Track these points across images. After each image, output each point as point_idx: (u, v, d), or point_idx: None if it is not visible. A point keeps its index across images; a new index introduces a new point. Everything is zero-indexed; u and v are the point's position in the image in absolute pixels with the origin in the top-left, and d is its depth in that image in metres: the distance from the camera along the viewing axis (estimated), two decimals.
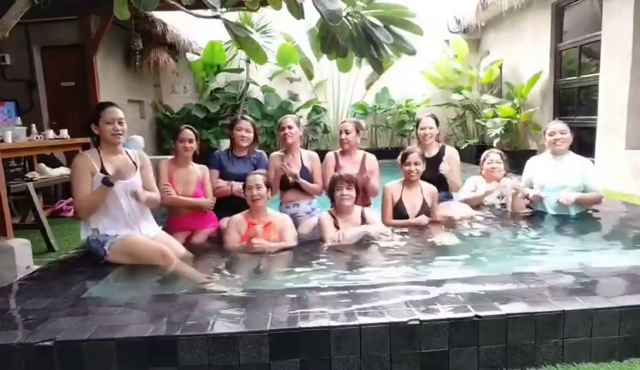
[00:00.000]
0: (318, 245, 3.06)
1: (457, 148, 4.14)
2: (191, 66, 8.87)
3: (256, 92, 9.32)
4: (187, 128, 3.38)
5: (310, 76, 9.12)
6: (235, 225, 3.04)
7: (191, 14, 2.67)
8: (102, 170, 2.73)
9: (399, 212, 3.43)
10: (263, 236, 2.98)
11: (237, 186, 3.41)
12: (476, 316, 1.86)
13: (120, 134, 2.77)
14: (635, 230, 3.40)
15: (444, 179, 3.63)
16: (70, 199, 5.15)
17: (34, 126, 4.75)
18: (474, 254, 2.91)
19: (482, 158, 3.95)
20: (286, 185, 3.60)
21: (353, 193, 3.12)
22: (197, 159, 3.52)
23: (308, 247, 3.04)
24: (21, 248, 2.98)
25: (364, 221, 3.16)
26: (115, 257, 2.70)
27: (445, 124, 8.79)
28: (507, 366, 1.88)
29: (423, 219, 3.37)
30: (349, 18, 2.66)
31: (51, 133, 4.87)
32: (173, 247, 2.85)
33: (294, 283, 2.46)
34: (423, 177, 3.50)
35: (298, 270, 2.70)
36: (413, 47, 2.87)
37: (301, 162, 3.65)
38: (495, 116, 7.45)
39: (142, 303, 2.17)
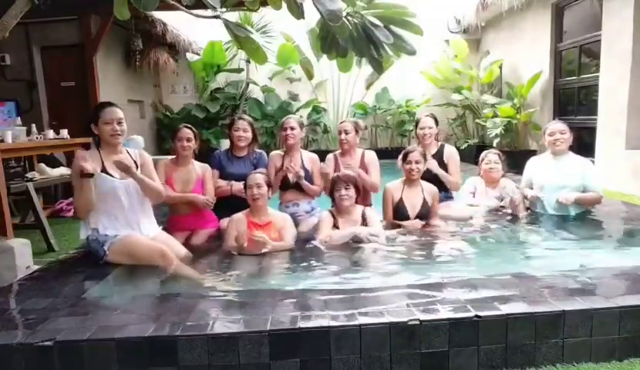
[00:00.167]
0: (318, 245, 3.06)
1: (457, 148, 4.13)
2: (191, 66, 8.87)
3: (256, 92, 9.32)
4: (186, 127, 3.38)
5: (310, 76, 9.12)
6: (235, 224, 3.04)
7: (191, 14, 2.67)
8: (103, 170, 2.73)
9: (400, 211, 3.43)
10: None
11: (237, 185, 3.41)
12: (476, 316, 1.86)
13: (119, 134, 2.77)
14: (635, 230, 3.40)
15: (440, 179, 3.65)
16: (70, 199, 5.16)
17: (34, 126, 4.75)
18: (474, 254, 2.91)
19: (480, 158, 3.95)
20: (286, 185, 3.61)
21: (352, 193, 3.12)
22: (197, 159, 3.51)
23: (308, 247, 3.04)
24: (21, 248, 2.98)
25: (364, 221, 3.16)
26: (115, 258, 2.70)
27: (445, 124, 8.79)
28: (507, 366, 1.88)
29: (417, 223, 3.37)
30: (349, 18, 2.66)
31: (51, 133, 4.87)
32: (173, 247, 2.84)
33: (294, 283, 2.46)
34: (424, 177, 3.50)
35: (298, 270, 2.70)
36: (413, 47, 2.87)
37: (302, 163, 3.66)
38: (495, 116, 7.45)
39: (142, 303, 2.17)
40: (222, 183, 3.53)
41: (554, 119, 6.73)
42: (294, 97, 9.40)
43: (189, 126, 3.41)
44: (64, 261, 2.92)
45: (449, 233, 3.29)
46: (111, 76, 7.25)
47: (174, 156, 3.45)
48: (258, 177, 3.05)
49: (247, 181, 3.06)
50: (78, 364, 1.78)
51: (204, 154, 3.68)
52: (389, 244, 3.05)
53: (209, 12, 2.55)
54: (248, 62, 8.75)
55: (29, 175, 4.29)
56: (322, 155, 3.86)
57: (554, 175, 3.58)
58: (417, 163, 3.38)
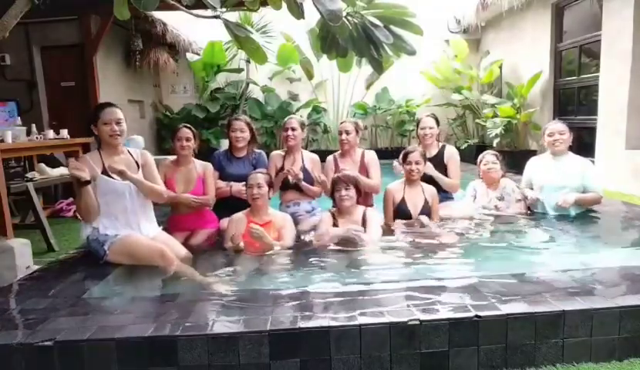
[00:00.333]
0: (318, 245, 3.06)
1: (457, 148, 4.13)
2: (191, 66, 8.87)
3: (256, 92, 9.32)
4: (185, 127, 3.38)
5: (310, 76, 9.12)
6: (235, 224, 3.04)
7: (191, 14, 2.67)
8: (104, 171, 2.73)
9: (402, 211, 3.44)
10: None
11: (237, 186, 3.41)
12: (476, 316, 1.86)
13: (119, 135, 2.77)
14: (635, 230, 3.40)
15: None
16: (70, 199, 5.17)
17: (34, 126, 4.75)
18: (474, 254, 2.91)
19: (478, 160, 3.95)
20: (286, 185, 3.61)
21: (352, 193, 3.12)
22: (198, 159, 3.51)
23: (308, 247, 3.04)
24: (21, 248, 2.98)
25: (364, 222, 3.15)
26: (115, 257, 2.70)
27: (445, 124, 8.78)
28: (507, 366, 1.88)
29: (425, 219, 3.36)
30: (349, 18, 2.66)
31: (51, 133, 4.86)
32: (173, 247, 2.85)
33: (294, 283, 2.46)
34: (422, 178, 3.50)
35: (298, 270, 2.70)
36: (413, 47, 2.87)
37: (302, 163, 3.66)
38: (495, 115, 7.45)
39: (142, 303, 2.17)
40: (222, 184, 3.53)
41: (553, 119, 6.73)
42: (294, 97, 9.40)
43: (188, 125, 3.41)
44: (64, 261, 2.92)
45: (449, 233, 3.29)
46: (111, 76, 7.24)
47: (175, 157, 3.45)
48: (259, 177, 3.05)
49: (248, 181, 3.07)
50: (78, 364, 1.78)
51: (204, 154, 3.68)
52: (388, 245, 3.04)
53: (209, 12, 2.55)
54: (248, 62, 8.75)
55: (29, 175, 4.29)
56: (322, 155, 3.86)
57: (553, 175, 3.58)
58: (417, 163, 3.38)
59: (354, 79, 8.87)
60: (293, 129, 3.64)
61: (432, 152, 3.80)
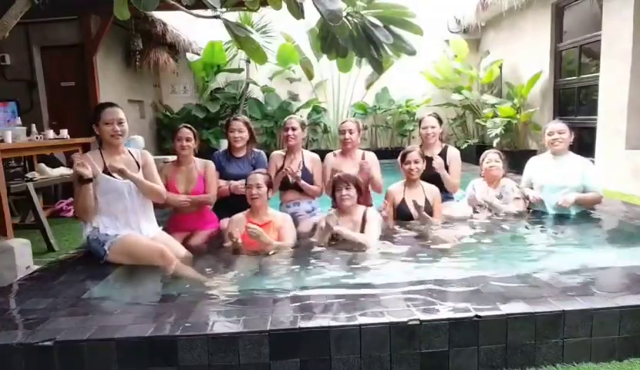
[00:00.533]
0: (318, 245, 3.06)
1: (457, 148, 4.13)
2: (191, 66, 8.87)
3: (256, 92, 9.32)
4: (185, 127, 3.38)
5: (310, 76, 9.12)
6: (235, 225, 3.04)
7: (191, 14, 2.67)
8: (105, 171, 2.73)
9: (402, 212, 3.43)
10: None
11: (235, 182, 3.41)
12: (476, 316, 1.86)
13: (120, 135, 2.77)
14: (635, 230, 3.40)
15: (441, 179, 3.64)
16: (70, 199, 5.17)
17: (34, 126, 4.75)
18: (474, 254, 2.91)
19: (481, 158, 3.96)
20: (286, 185, 3.61)
21: (353, 193, 3.11)
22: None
23: (308, 247, 3.04)
24: (21, 248, 2.98)
25: (364, 221, 3.15)
26: (115, 257, 2.70)
27: (445, 124, 8.76)
28: (507, 366, 1.88)
29: (427, 217, 3.37)
30: (349, 18, 2.66)
31: (51, 133, 4.87)
32: (173, 247, 2.85)
33: (294, 283, 2.46)
34: (424, 176, 3.50)
35: (297, 270, 2.70)
36: (413, 47, 2.87)
37: (302, 163, 3.66)
38: (495, 116, 7.45)
39: (142, 303, 2.17)
40: (221, 182, 3.53)
41: (554, 119, 6.73)
42: (294, 97, 9.40)
43: (188, 125, 3.41)
44: (64, 261, 2.92)
45: (449, 233, 3.29)
46: (111, 76, 7.24)
47: (175, 157, 3.45)
48: (258, 177, 3.05)
49: (247, 181, 3.07)
50: (78, 364, 1.78)
51: (204, 154, 3.68)
52: (388, 245, 3.04)
53: (209, 12, 2.55)
54: (248, 62, 8.75)
55: (29, 175, 4.29)
56: (322, 155, 3.86)
57: (553, 175, 3.58)
58: (416, 162, 3.38)
59: (354, 79, 8.87)
60: (293, 129, 3.64)
61: (435, 151, 3.79)
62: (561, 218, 3.52)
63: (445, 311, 1.89)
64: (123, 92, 7.68)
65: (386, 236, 3.19)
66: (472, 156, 7.54)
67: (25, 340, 1.80)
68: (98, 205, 2.73)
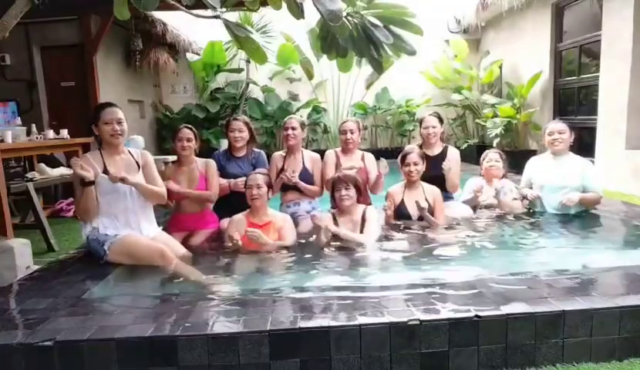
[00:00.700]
0: (318, 245, 3.06)
1: (457, 148, 4.13)
2: (191, 66, 8.87)
3: (256, 92, 9.32)
4: (185, 127, 3.38)
5: (310, 76, 9.12)
6: (235, 225, 3.04)
7: (191, 14, 2.67)
8: (105, 171, 2.73)
9: (402, 213, 3.43)
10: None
11: (235, 180, 3.42)
12: (476, 316, 1.86)
13: (120, 134, 2.78)
14: (635, 230, 3.40)
15: (444, 179, 3.63)
16: (70, 199, 5.17)
17: (34, 126, 4.75)
18: (474, 254, 2.91)
19: (482, 157, 3.96)
20: (286, 185, 3.61)
21: (352, 192, 3.11)
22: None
23: (308, 247, 3.04)
24: (21, 248, 2.98)
25: (364, 220, 3.15)
26: (115, 257, 2.70)
27: (445, 124, 8.77)
28: (507, 366, 1.88)
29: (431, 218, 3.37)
30: (349, 18, 2.66)
31: (51, 133, 4.87)
32: (173, 247, 2.85)
33: (294, 283, 2.46)
34: (424, 177, 3.50)
35: (297, 270, 2.70)
36: (413, 47, 2.87)
37: (302, 163, 3.66)
38: (495, 116, 7.45)
39: (142, 303, 2.17)
40: (222, 182, 3.53)
41: (554, 119, 6.73)
42: (294, 97, 9.40)
43: (189, 126, 3.41)
44: (64, 261, 2.92)
45: (449, 233, 3.29)
46: (111, 76, 7.24)
47: (176, 157, 3.46)
48: (259, 178, 3.05)
49: (248, 181, 3.07)
50: (78, 364, 1.78)
51: (204, 155, 3.68)
52: (388, 245, 3.04)
53: (209, 12, 2.55)
54: (248, 62, 8.75)
55: (29, 175, 4.29)
56: (322, 155, 3.86)
57: (553, 175, 3.58)
58: (415, 164, 3.37)
59: (354, 79, 8.87)
60: (293, 129, 3.64)
61: (435, 151, 3.79)
62: (561, 218, 3.52)
63: (445, 311, 1.89)
64: (123, 92, 7.68)
65: (386, 236, 3.20)
66: (472, 156, 7.55)
67: (25, 340, 1.80)
68: (99, 206, 2.73)
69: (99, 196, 2.72)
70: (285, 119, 3.82)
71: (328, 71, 8.64)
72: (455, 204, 3.81)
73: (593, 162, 4.48)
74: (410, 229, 3.34)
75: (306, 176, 3.61)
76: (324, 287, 2.30)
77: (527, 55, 7.62)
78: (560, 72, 7.07)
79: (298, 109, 8.79)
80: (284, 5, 2.41)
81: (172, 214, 3.50)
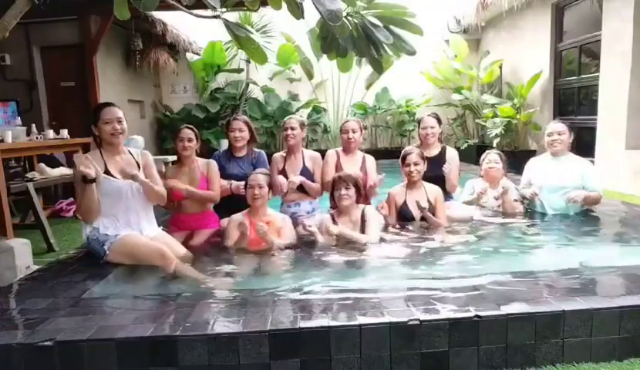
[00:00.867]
0: (318, 245, 3.06)
1: (457, 148, 4.14)
2: (191, 66, 8.88)
3: (256, 92, 9.32)
4: (187, 127, 3.38)
5: (310, 76, 9.12)
6: (235, 224, 3.04)
7: (191, 14, 2.67)
8: (106, 171, 2.74)
9: (405, 214, 3.43)
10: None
11: (237, 183, 3.41)
12: (476, 316, 1.86)
13: (120, 133, 2.78)
14: (635, 230, 3.40)
15: (443, 179, 3.63)
16: (70, 199, 5.17)
17: (34, 126, 4.75)
18: (474, 254, 2.91)
19: (481, 158, 3.96)
20: None
21: (352, 192, 3.11)
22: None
23: (308, 247, 3.04)
24: (21, 248, 2.98)
25: (363, 221, 3.15)
26: (115, 257, 2.70)
27: (445, 124, 8.77)
28: (507, 366, 1.88)
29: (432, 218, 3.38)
30: (349, 18, 2.67)
31: (51, 133, 4.87)
32: (173, 247, 2.85)
33: (294, 283, 2.46)
34: (424, 177, 3.50)
35: (297, 270, 2.70)
36: (413, 47, 2.88)
37: (303, 162, 3.66)
38: (495, 116, 7.45)
39: (142, 303, 2.17)
40: (223, 182, 3.53)
41: (554, 118, 6.73)
42: (294, 97, 9.41)
43: (190, 126, 3.41)
44: (64, 261, 2.92)
45: (449, 234, 3.29)
46: (111, 76, 7.24)
47: (175, 157, 3.46)
48: (260, 178, 3.05)
49: (249, 181, 3.07)
50: (78, 364, 1.78)
51: (205, 155, 3.68)
52: (388, 245, 3.04)
53: (209, 12, 2.55)
54: (248, 62, 8.75)
55: (29, 175, 4.29)
56: (322, 155, 3.86)
57: (553, 176, 3.57)
58: (416, 164, 3.37)
59: (354, 79, 8.87)
60: (292, 129, 3.64)
61: (434, 152, 3.79)
62: (561, 218, 3.52)
63: (445, 311, 1.89)
64: (123, 92, 7.68)
65: (387, 236, 3.19)
66: (472, 156, 7.55)
67: (25, 340, 1.80)
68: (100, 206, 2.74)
69: (99, 197, 2.72)
70: (285, 119, 3.82)
71: (328, 71, 8.64)
72: (455, 204, 3.81)
73: (593, 162, 4.48)
74: (410, 229, 3.33)
75: (307, 175, 3.60)
76: (324, 287, 2.30)
77: (527, 55, 7.62)
78: (560, 72, 7.07)
79: (298, 109, 8.79)
80: (284, 5, 2.41)
81: (172, 214, 3.49)
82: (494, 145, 7.19)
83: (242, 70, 8.95)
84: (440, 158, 3.75)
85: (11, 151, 4.14)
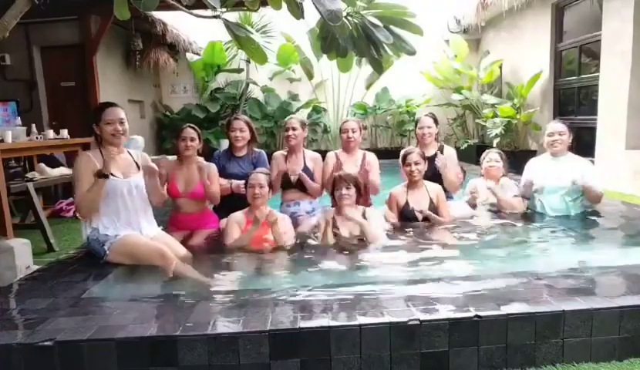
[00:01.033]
0: (318, 245, 3.06)
1: (457, 148, 4.15)
2: (191, 66, 8.88)
3: (256, 92, 9.32)
4: (189, 127, 3.38)
5: (310, 76, 9.12)
6: (233, 223, 3.05)
7: (191, 14, 2.67)
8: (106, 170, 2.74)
9: (407, 214, 3.43)
10: (260, 233, 2.98)
11: (237, 182, 3.42)
12: (476, 316, 1.86)
13: (122, 134, 2.78)
14: (635, 230, 3.40)
15: (442, 178, 3.63)
16: (70, 199, 5.17)
17: (34, 126, 4.75)
18: (474, 254, 2.91)
19: (482, 157, 3.96)
20: (287, 184, 3.61)
21: (352, 192, 3.12)
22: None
23: (308, 247, 3.04)
24: (21, 248, 2.99)
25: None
26: (115, 257, 2.70)
27: (445, 124, 8.80)
28: (507, 366, 1.88)
29: (429, 214, 3.38)
30: (349, 18, 2.66)
31: (51, 133, 4.87)
32: (172, 247, 2.84)
33: (294, 282, 2.46)
34: (426, 176, 3.50)
35: (297, 269, 2.70)
36: (413, 47, 2.88)
37: (304, 162, 3.66)
38: (495, 115, 7.45)
39: (142, 303, 2.17)
40: (223, 181, 3.53)
41: (554, 118, 6.73)
42: (294, 97, 9.41)
43: (193, 126, 3.40)
44: (64, 261, 2.92)
45: (449, 234, 3.29)
46: (111, 76, 7.25)
47: (175, 157, 3.45)
48: (261, 177, 3.06)
49: (250, 180, 3.07)
50: (78, 365, 1.78)
51: (205, 154, 3.68)
52: (388, 245, 3.04)
53: (209, 12, 2.55)
54: (248, 62, 8.75)
55: (29, 175, 4.29)
56: (322, 155, 3.86)
57: (553, 176, 3.57)
58: (417, 164, 3.38)
59: (354, 79, 8.87)
60: (294, 129, 3.64)
61: (431, 151, 3.80)
62: (561, 218, 3.52)
63: (445, 311, 1.89)
64: (123, 92, 7.68)
65: (387, 236, 3.19)
66: (472, 156, 7.55)
67: (25, 340, 1.80)
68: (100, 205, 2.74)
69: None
70: (286, 119, 3.82)
71: (328, 71, 8.64)
72: (455, 204, 3.82)
73: (593, 162, 4.48)
74: (412, 229, 3.33)
75: (307, 175, 3.61)
76: (324, 287, 2.30)
77: (527, 55, 7.62)
78: (560, 72, 7.07)
79: (298, 109, 8.79)
80: (284, 5, 2.41)
81: (171, 214, 3.49)
82: (494, 145, 7.19)
83: (242, 70, 8.95)
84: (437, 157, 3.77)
85: (11, 151, 4.14)
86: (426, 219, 3.41)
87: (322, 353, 1.81)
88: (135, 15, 2.71)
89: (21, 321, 1.97)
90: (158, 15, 7.47)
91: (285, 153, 3.74)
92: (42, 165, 4.56)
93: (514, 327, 1.87)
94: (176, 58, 8.68)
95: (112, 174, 2.73)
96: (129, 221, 2.82)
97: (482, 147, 7.11)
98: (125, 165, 2.85)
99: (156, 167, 2.85)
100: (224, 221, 3.34)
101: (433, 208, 3.41)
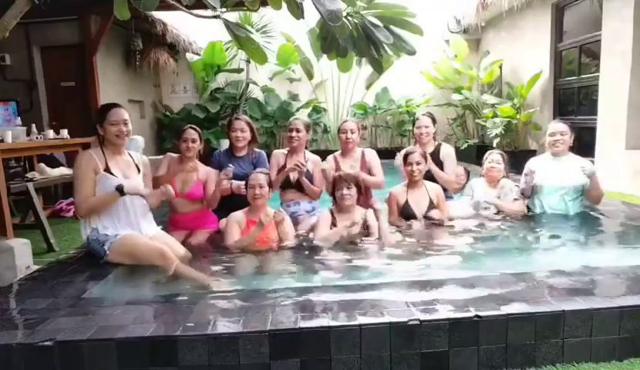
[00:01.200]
0: (318, 244, 3.06)
1: (457, 148, 4.14)
2: (191, 66, 8.87)
3: (256, 92, 9.32)
4: (191, 128, 3.39)
5: (310, 76, 9.12)
6: (233, 223, 3.05)
7: (191, 14, 2.67)
8: (107, 169, 2.74)
9: (407, 213, 3.43)
10: (262, 233, 2.98)
11: (237, 183, 3.41)
12: (476, 316, 1.86)
13: (125, 135, 2.80)
14: (635, 230, 3.40)
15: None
16: (70, 199, 5.16)
17: (34, 126, 4.75)
18: (474, 254, 2.91)
19: (484, 157, 3.96)
20: (287, 184, 3.60)
21: (353, 192, 3.12)
22: (201, 160, 3.51)
23: (308, 247, 3.04)
24: (21, 248, 2.98)
25: (368, 224, 3.15)
26: (115, 257, 2.70)
27: (445, 124, 8.80)
28: (507, 366, 1.88)
29: (435, 213, 3.38)
30: (349, 18, 2.66)
31: (51, 133, 4.87)
32: (172, 246, 2.84)
33: (294, 282, 2.46)
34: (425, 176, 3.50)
35: (297, 269, 2.70)
36: (413, 47, 2.88)
37: (305, 164, 3.65)
38: (495, 116, 7.45)
39: (142, 303, 2.17)
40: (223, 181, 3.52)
41: (554, 118, 6.73)
42: (294, 97, 9.40)
43: (194, 127, 3.41)
44: (64, 261, 2.92)
45: (449, 233, 3.29)
46: (111, 76, 7.25)
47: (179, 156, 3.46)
48: (261, 177, 3.06)
49: (250, 180, 3.07)
50: (78, 365, 1.78)
51: (206, 155, 3.68)
52: (388, 245, 3.05)
53: (209, 12, 2.55)
54: (248, 62, 8.75)
55: (29, 175, 4.29)
56: (322, 155, 3.86)
57: (553, 176, 3.57)
58: (418, 164, 3.38)
59: (354, 79, 8.87)
60: (297, 131, 3.63)
61: (429, 150, 3.81)
62: (561, 218, 3.52)
63: (445, 311, 1.89)
64: (123, 92, 7.68)
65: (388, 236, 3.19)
66: (472, 156, 7.55)
67: (25, 340, 1.80)
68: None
69: (98, 195, 2.72)
70: (290, 119, 3.80)
71: (328, 71, 8.64)
72: (455, 204, 3.82)
73: (593, 162, 4.47)
74: (412, 229, 3.33)
75: (307, 177, 3.60)
76: (324, 287, 2.30)
77: (527, 55, 7.62)
78: (560, 72, 7.07)
79: (298, 109, 8.80)
80: (284, 5, 2.41)
81: (171, 214, 3.49)
82: (494, 145, 7.18)
83: (242, 70, 8.95)
84: (436, 155, 3.78)
85: (11, 151, 4.14)
86: (426, 217, 3.41)
87: (322, 353, 1.81)
88: (135, 15, 2.71)
89: (21, 321, 1.97)
90: (158, 15, 7.47)
91: (286, 152, 3.73)
92: (42, 165, 4.56)
93: (514, 328, 1.87)
94: (176, 59, 8.68)
95: (112, 174, 2.74)
96: (129, 221, 2.82)
97: (482, 147, 7.12)
98: (125, 166, 2.86)
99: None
100: (223, 221, 3.34)
101: (433, 208, 3.41)
